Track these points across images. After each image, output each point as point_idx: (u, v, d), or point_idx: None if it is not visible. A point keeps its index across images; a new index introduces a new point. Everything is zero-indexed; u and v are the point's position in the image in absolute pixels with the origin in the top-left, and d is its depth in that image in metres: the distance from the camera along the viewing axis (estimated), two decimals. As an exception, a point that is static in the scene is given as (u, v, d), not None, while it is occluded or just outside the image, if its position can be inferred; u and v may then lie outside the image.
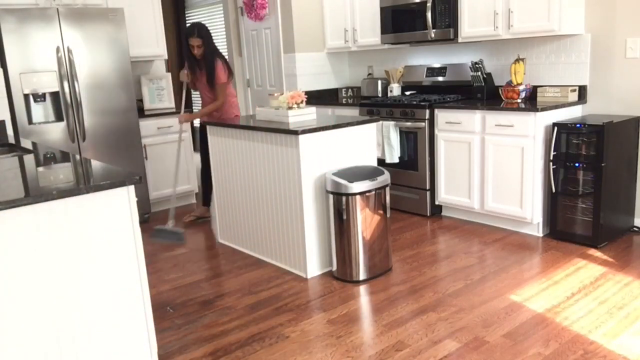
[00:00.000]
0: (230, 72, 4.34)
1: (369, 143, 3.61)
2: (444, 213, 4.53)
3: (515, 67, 4.07)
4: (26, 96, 4.15)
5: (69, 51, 4.24)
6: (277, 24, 5.56)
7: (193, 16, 8.23)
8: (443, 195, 4.37)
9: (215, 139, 3.97)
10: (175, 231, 4.26)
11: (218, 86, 4.29)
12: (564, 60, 4.05)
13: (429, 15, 4.38)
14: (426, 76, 4.93)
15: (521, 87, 4.07)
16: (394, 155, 4.50)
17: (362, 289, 3.20)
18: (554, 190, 3.72)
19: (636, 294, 2.93)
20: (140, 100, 5.29)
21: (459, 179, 4.22)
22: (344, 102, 5.20)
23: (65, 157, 2.59)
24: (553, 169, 3.69)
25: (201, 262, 3.81)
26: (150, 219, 4.93)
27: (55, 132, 4.28)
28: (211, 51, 4.26)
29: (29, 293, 1.88)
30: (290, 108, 3.56)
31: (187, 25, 4.40)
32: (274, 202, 3.54)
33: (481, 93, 4.39)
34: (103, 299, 2.04)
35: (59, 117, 4.29)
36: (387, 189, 3.33)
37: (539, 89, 4.05)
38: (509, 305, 2.90)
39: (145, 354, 2.19)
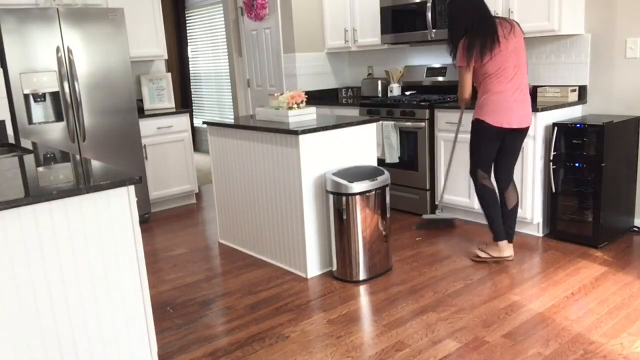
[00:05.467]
0: (478, 53, 3.20)
1: (369, 143, 3.61)
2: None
3: (515, 67, 4.06)
4: (26, 96, 4.15)
5: (69, 51, 4.24)
6: (277, 24, 5.56)
7: (193, 16, 8.24)
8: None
9: (215, 139, 3.97)
10: (445, 218, 4.22)
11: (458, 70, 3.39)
12: (564, 60, 4.05)
13: (429, 15, 4.38)
14: (426, 76, 4.93)
15: (521, 87, 4.05)
16: (393, 155, 4.50)
17: (362, 289, 3.20)
18: (554, 190, 3.72)
19: (636, 294, 2.93)
20: (140, 100, 5.29)
21: (459, 179, 4.22)
22: (344, 102, 5.20)
23: (65, 157, 2.59)
24: (553, 169, 3.69)
25: (201, 262, 3.81)
26: (150, 219, 4.93)
27: (55, 132, 4.28)
28: (454, 31, 3.35)
29: (28, 293, 1.88)
30: (290, 108, 3.56)
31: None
32: (274, 202, 3.54)
33: (481, 93, 4.38)
34: (103, 299, 2.04)
35: (59, 117, 4.29)
36: (387, 189, 3.33)
37: (539, 89, 4.05)
38: (509, 305, 2.90)
39: (145, 354, 2.19)
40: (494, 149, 3.37)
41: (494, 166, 3.46)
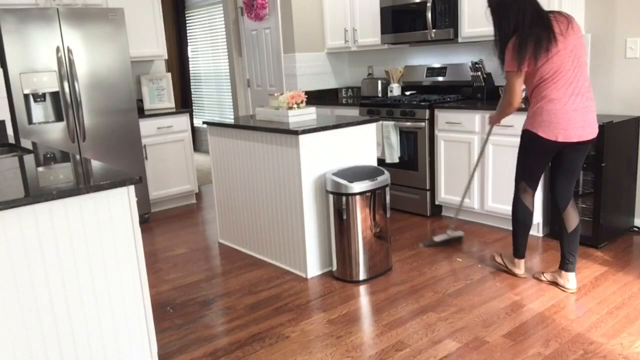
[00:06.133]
0: (532, 54, 2.77)
1: (369, 143, 3.61)
2: (444, 213, 4.53)
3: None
4: (26, 96, 4.15)
5: (69, 51, 4.24)
6: (277, 24, 5.56)
7: (193, 16, 8.24)
8: (443, 195, 4.37)
9: (215, 139, 3.97)
10: (456, 236, 3.87)
11: (505, 75, 2.96)
12: (564, 60, 4.04)
13: (429, 15, 4.38)
14: (426, 76, 4.93)
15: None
16: (393, 155, 4.50)
17: (362, 289, 3.20)
18: (554, 190, 3.72)
19: (636, 294, 2.93)
20: (140, 100, 5.29)
21: (459, 179, 4.22)
22: (344, 102, 5.21)
23: (65, 157, 2.59)
24: (553, 169, 3.69)
25: (201, 262, 3.81)
26: (150, 219, 4.93)
27: (55, 132, 4.28)
28: (501, 26, 2.90)
29: (28, 293, 1.88)
30: (290, 108, 3.56)
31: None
32: (274, 202, 3.54)
33: (481, 93, 4.39)
34: (103, 299, 2.04)
35: (59, 117, 4.29)
36: (387, 189, 3.33)
37: (539, 89, 4.05)
38: (509, 305, 2.90)
39: (145, 354, 2.19)
40: (545, 164, 2.98)
41: (552, 183, 3.05)
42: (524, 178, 3.07)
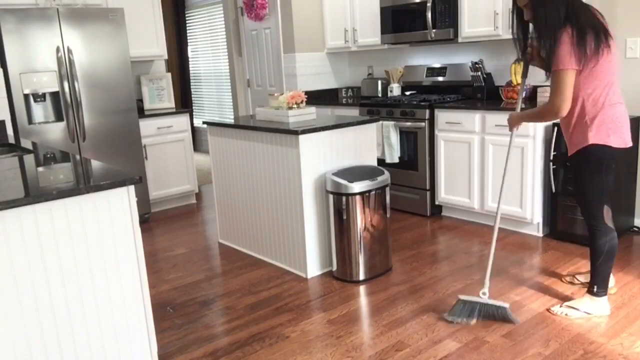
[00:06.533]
0: (592, 50, 2.35)
1: (369, 143, 3.61)
2: (444, 213, 4.53)
3: (515, 67, 4.07)
4: (26, 96, 4.15)
5: (69, 51, 4.24)
6: (277, 24, 5.56)
7: (193, 16, 8.24)
8: (443, 195, 4.37)
9: (215, 139, 3.97)
10: (497, 305, 2.72)
11: (553, 75, 2.44)
12: (564, 60, 4.04)
13: (429, 15, 4.38)
14: (426, 76, 4.93)
15: (521, 87, 4.05)
16: (393, 155, 4.50)
17: (362, 289, 3.20)
18: (554, 190, 3.72)
19: (636, 294, 2.93)
20: (140, 100, 5.29)
21: (459, 179, 4.22)
22: (344, 102, 5.21)
23: (65, 157, 2.59)
24: (553, 169, 3.69)
25: (201, 262, 3.81)
26: (150, 219, 4.93)
27: (55, 132, 4.28)
28: (546, 13, 2.38)
29: (28, 293, 1.88)
30: (290, 108, 3.57)
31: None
32: (274, 202, 3.54)
33: (481, 93, 4.39)
34: (103, 299, 2.04)
35: (59, 117, 4.29)
36: (387, 189, 3.33)
37: (539, 89, 4.05)
38: (509, 305, 2.89)
39: (145, 354, 2.19)
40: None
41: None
42: (606, 202, 2.61)
